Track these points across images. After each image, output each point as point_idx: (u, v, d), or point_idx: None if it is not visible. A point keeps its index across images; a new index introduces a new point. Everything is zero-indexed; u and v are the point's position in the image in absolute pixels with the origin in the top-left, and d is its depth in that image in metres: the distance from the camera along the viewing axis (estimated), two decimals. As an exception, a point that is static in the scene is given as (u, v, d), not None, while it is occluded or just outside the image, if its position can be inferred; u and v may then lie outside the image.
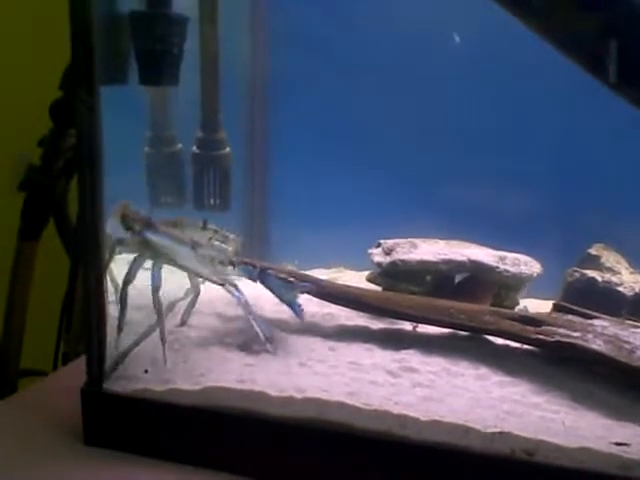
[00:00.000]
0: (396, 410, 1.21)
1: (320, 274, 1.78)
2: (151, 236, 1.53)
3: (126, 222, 1.55)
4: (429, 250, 1.74)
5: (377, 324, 1.62)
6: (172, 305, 1.77)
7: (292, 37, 2.18)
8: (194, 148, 1.82)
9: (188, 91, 1.79)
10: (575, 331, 1.39)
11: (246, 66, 2.26)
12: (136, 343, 1.55)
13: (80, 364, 1.45)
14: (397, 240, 1.81)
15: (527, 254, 1.80)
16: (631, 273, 1.85)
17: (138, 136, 1.88)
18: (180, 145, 1.85)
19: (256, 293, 1.62)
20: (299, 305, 1.52)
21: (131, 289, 1.78)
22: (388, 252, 1.76)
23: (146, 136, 1.84)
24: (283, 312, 1.63)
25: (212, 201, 1.83)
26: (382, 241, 1.83)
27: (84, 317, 1.38)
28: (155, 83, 1.58)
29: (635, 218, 1.90)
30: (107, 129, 1.31)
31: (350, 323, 1.64)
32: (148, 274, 1.94)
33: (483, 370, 1.40)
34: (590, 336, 1.36)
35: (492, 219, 1.99)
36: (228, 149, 1.84)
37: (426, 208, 2.02)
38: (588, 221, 2.05)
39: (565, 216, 2.04)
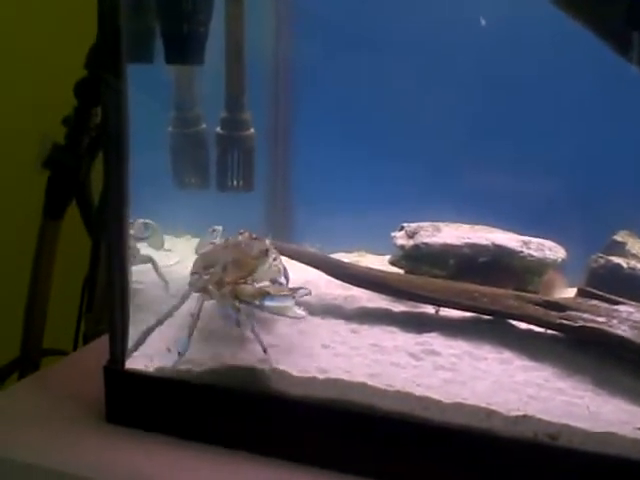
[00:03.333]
0: (418, 392, 1.21)
1: (342, 258, 1.77)
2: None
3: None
4: (453, 234, 1.73)
5: (399, 307, 1.61)
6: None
7: (318, 20, 2.18)
8: (218, 128, 1.81)
9: (213, 71, 1.79)
10: (600, 316, 1.37)
11: (271, 48, 2.26)
12: (159, 322, 1.56)
13: (100, 343, 1.46)
14: (420, 223, 1.80)
15: (552, 240, 1.78)
16: (657, 261, 1.83)
17: (162, 116, 1.88)
18: (204, 125, 1.85)
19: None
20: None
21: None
22: (411, 235, 1.75)
23: (170, 116, 1.84)
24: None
25: (235, 182, 1.83)
26: (405, 224, 1.82)
27: (107, 295, 1.38)
28: (181, 62, 1.58)
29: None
30: (132, 109, 1.32)
31: (372, 306, 1.63)
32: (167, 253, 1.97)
33: (506, 354, 1.39)
34: (615, 321, 1.35)
35: (516, 205, 1.97)
36: (252, 130, 1.83)
37: (450, 194, 2.01)
38: (614, 208, 2.03)
39: (590, 203, 2.02)
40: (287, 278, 1.60)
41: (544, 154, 2.03)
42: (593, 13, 1.38)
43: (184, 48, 1.53)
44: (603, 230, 1.97)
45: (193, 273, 1.51)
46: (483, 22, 1.97)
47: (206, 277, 1.45)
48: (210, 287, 1.42)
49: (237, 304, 1.36)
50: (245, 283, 1.40)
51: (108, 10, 1.25)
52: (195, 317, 1.39)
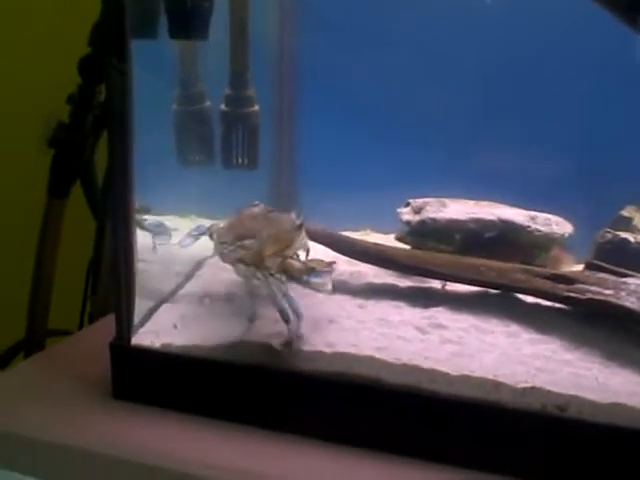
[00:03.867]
0: (426, 365, 1.21)
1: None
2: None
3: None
4: (459, 209, 1.72)
5: (405, 282, 1.61)
6: (200, 263, 1.78)
7: (323, 6, 2.17)
8: (222, 106, 1.80)
9: (217, 48, 1.78)
10: (607, 289, 1.37)
11: (276, 30, 2.25)
12: (165, 299, 1.55)
13: (106, 323, 1.46)
14: (426, 199, 1.79)
15: (559, 215, 1.77)
16: (664, 236, 1.82)
17: (167, 93, 1.87)
18: (208, 102, 1.84)
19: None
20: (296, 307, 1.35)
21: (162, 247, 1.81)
22: (417, 211, 1.75)
23: (174, 93, 1.83)
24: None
25: (240, 160, 1.82)
26: (411, 200, 1.81)
27: (113, 272, 1.38)
28: (185, 37, 1.56)
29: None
30: (136, 86, 1.31)
31: (378, 281, 1.62)
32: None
33: (514, 327, 1.39)
34: (623, 294, 1.34)
35: (523, 182, 1.96)
36: (257, 107, 1.82)
37: (455, 171, 2.00)
38: (620, 183, 2.03)
39: (597, 178, 2.01)
40: (308, 253, 1.56)
41: (550, 132, 2.02)
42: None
43: (188, 23, 1.51)
44: (610, 205, 1.97)
45: (222, 242, 1.47)
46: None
47: (240, 249, 1.40)
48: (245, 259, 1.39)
49: (283, 278, 1.33)
50: (286, 257, 1.35)
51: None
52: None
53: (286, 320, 1.31)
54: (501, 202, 1.85)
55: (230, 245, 1.43)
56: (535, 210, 1.77)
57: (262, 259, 1.35)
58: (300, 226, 1.41)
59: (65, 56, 1.87)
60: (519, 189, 1.89)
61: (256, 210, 1.54)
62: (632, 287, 1.35)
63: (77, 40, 1.82)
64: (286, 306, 1.33)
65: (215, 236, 1.53)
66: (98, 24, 1.78)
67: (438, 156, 2.12)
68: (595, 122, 2.04)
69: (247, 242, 1.39)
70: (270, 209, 1.54)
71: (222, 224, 1.56)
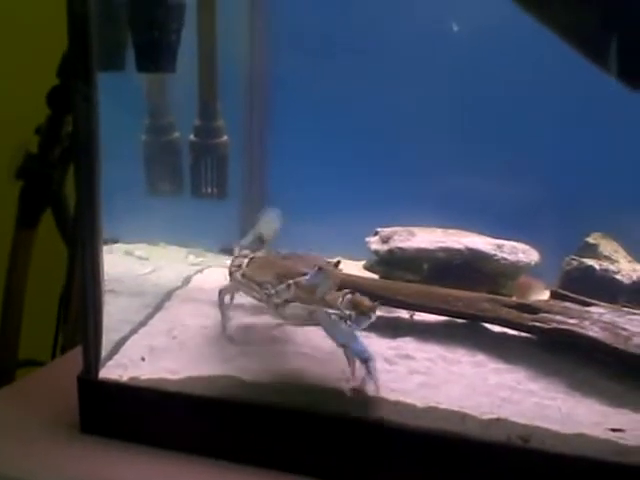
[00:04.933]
0: (392, 397, 1.21)
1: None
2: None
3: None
4: (426, 238, 1.73)
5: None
6: (169, 294, 1.78)
7: (293, 30, 2.18)
8: (191, 136, 1.82)
9: (186, 79, 1.79)
10: (572, 318, 1.38)
11: (245, 56, 2.26)
12: (133, 331, 1.55)
13: (76, 354, 1.45)
14: (395, 228, 1.81)
15: (526, 243, 1.79)
16: (629, 262, 1.84)
17: (135, 124, 1.88)
18: (177, 133, 1.85)
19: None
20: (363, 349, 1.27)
21: (131, 277, 1.81)
22: (385, 240, 1.76)
23: (143, 124, 1.84)
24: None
25: (209, 189, 1.83)
26: (379, 229, 1.83)
27: (81, 305, 1.37)
28: (152, 70, 1.57)
29: (634, 208, 1.90)
30: (104, 117, 1.31)
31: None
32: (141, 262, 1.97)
33: (480, 357, 1.41)
34: (587, 323, 1.36)
35: (491, 208, 1.99)
36: (225, 137, 1.84)
37: (425, 198, 2.02)
38: (587, 210, 2.05)
39: (564, 206, 2.04)
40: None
41: (518, 158, 2.05)
42: (564, 18, 1.39)
43: (155, 56, 1.53)
44: (577, 232, 1.99)
45: (259, 283, 1.42)
46: (455, 28, 1.98)
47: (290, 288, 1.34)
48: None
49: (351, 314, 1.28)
50: (346, 294, 1.32)
51: (78, 18, 1.24)
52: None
53: (366, 360, 1.25)
54: (470, 229, 1.86)
55: (276, 286, 1.36)
56: (503, 238, 1.79)
57: (323, 297, 1.32)
58: (338, 263, 1.40)
59: (34, 87, 1.87)
60: (488, 217, 1.91)
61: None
62: (595, 316, 1.37)
63: (46, 71, 1.83)
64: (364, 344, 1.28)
65: (239, 276, 1.51)
66: (66, 55, 1.78)
67: (409, 181, 2.14)
68: (562, 150, 2.06)
69: (291, 281, 1.34)
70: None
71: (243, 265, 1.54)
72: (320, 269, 1.27)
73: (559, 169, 2.04)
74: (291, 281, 1.32)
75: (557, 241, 1.93)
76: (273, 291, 1.36)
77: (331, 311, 1.27)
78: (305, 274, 1.32)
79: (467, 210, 1.96)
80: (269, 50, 2.26)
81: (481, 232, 1.85)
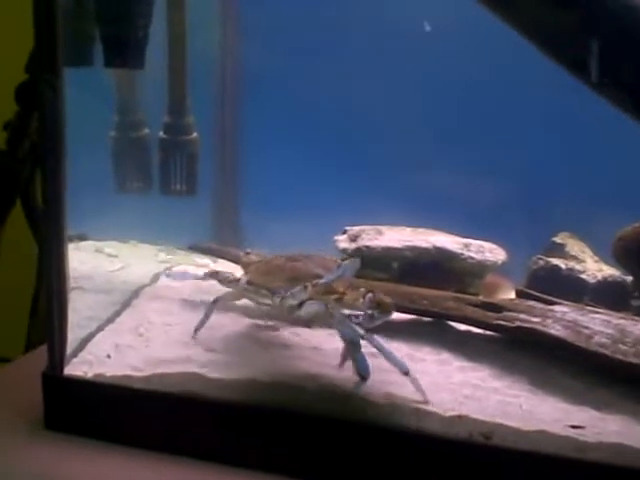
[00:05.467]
0: (353, 394, 1.22)
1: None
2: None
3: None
4: (394, 237, 1.74)
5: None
6: (137, 292, 1.77)
7: (264, 26, 2.18)
8: (161, 133, 1.81)
9: (157, 75, 1.79)
10: (535, 317, 1.40)
11: (217, 52, 2.26)
12: (100, 328, 1.54)
13: (45, 350, 1.44)
14: (363, 227, 1.81)
15: (494, 242, 1.80)
16: (595, 261, 1.87)
17: (105, 120, 1.87)
18: (147, 130, 1.84)
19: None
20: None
21: (100, 275, 1.80)
22: (353, 239, 1.77)
23: (113, 120, 1.83)
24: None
25: (178, 186, 1.82)
26: (348, 228, 1.83)
27: (45, 302, 1.36)
28: (120, 65, 1.56)
29: (601, 208, 1.91)
30: (74, 113, 1.30)
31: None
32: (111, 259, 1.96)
33: (445, 355, 1.42)
34: (550, 321, 1.37)
35: (461, 208, 2.00)
36: (195, 134, 1.83)
37: (395, 197, 2.03)
38: (555, 210, 2.07)
39: (533, 205, 2.05)
40: None
41: (488, 159, 2.06)
42: (529, 18, 1.41)
43: (123, 52, 1.52)
44: (545, 232, 2.01)
45: (268, 289, 1.40)
46: (428, 28, 1.99)
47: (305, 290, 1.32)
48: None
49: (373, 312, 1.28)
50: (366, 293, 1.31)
51: (44, 13, 1.23)
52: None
53: (407, 372, 1.24)
54: (439, 228, 1.87)
55: (289, 289, 1.34)
56: (472, 237, 1.80)
57: (342, 297, 1.32)
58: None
59: (2, 83, 1.86)
60: (457, 216, 1.92)
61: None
62: (558, 315, 1.38)
63: (14, 67, 1.81)
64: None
65: (243, 284, 1.48)
66: (35, 51, 1.77)
67: (379, 181, 2.15)
68: (531, 151, 2.08)
69: (307, 283, 1.31)
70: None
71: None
72: (339, 266, 1.27)
73: (529, 169, 2.05)
74: (307, 283, 1.30)
75: (526, 240, 1.95)
76: (288, 293, 1.33)
77: (347, 311, 1.28)
78: (319, 276, 1.32)
79: (437, 209, 1.97)
80: (240, 46, 2.26)
81: (450, 231, 1.86)
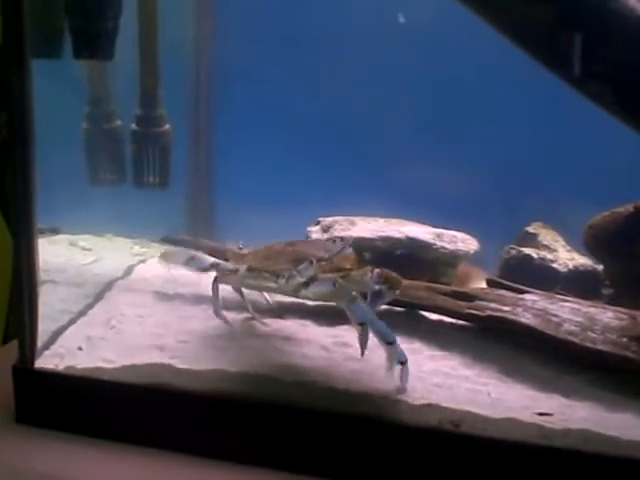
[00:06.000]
0: (328, 383, 1.22)
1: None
2: None
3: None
4: (367, 227, 1.74)
5: (310, 302, 1.62)
6: (110, 284, 1.76)
7: (239, 18, 2.18)
8: (133, 125, 1.80)
9: (129, 67, 1.78)
10: (506, 305, 1.40)
11: (191, 45, 2.26)
12: (72, 321, 1.54)
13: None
14: (336, 218, 1.81)
15: (468, 232, 1.81)
16: (568, 251, 1.88)
17: (77, 112, 1.86)
18: (119, 122, 1.83)
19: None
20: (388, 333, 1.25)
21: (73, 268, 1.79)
22: (326, 229, 1.77)
23: (84, 112, 1.82)
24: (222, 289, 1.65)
25: (151, 179, 1.82)
26: (321, 219, 1.83)
27: (16, 295, 1.36)
28: (88, 57, 1.55)
29: (575, 198, 1.93)
30: (46, 105, 1.30)
31: (287, 300, 1.63)
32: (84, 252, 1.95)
33: (416, 344, 1.42)
34: (520, 310, 1.38)
35: (436, 199, 2.00)
36: (167, 126, 1.83)
37: (371, 188, 2.04)
38: (529, 200, 2.08)
39: (507, 196, 2.06)
40: None
41: (461, 150, 2.07)
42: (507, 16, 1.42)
43: (91, 43, 1.51)
44: (519, 222, 2.02)
45: (279, 270, 1.36)
46: (402, 19, 1.99)
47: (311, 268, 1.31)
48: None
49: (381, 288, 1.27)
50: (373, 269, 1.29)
51: (11, 6, 1.22)
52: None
53: (391, 342, 1.24)
54: (414, 219, 1.88)
55: (291, 270, 1.33)
56: (445, 227, 1.81)
57: (348, 273, 1.31)
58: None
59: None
60: (432, 207, 1.92)
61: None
62: (529, 303, 1.39)
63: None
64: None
65: (243, 271, 1.44)
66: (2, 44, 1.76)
67: (355, 174, 2.15)
68: (504, 141, 2.09)
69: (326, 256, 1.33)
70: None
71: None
72: (342, 239, 1.30)
73: (503, 161, 2.06)
74: (312, 259, 1.29)
75: (500, 230, 1.96)
76: (294, 272, 1.32)
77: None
78: (321, 257, 1.32)
79: (412, 201, 1.97)
80: (215, 38, 2.26)
81: (425, 222, 1.86)
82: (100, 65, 1.74)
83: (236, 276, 1.46)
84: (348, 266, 1.33)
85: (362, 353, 1.22)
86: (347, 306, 1.25)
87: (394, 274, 1.28)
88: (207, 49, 2.25)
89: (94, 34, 1.49)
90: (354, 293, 1.25)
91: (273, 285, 1.38)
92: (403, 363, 1.23)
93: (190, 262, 1.54)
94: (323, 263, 1.32)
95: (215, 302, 1.51)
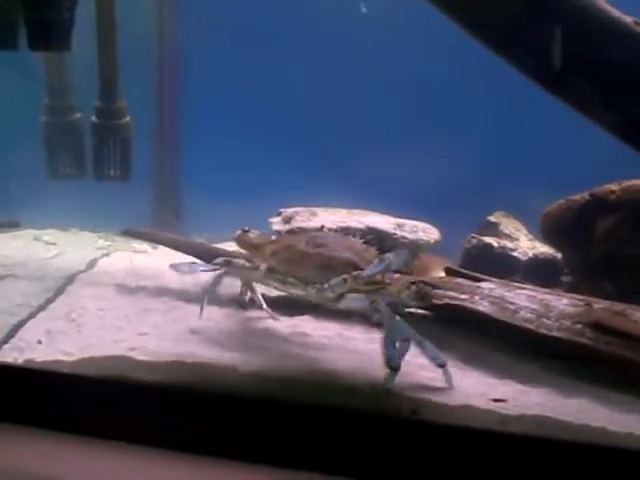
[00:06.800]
0: (281, 373, 1.23)
1: (230, 247, 1.77)
2: None
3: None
4: (328, 218, 1.75)
5: (273, 291, 1.61)
6: (72, 278, 1.76)
7: (201, 8, 2.17)
8: (93, 117, 1.79)
9: (89, 59, 1.77)
10: (463, 294, 1.41)
11: (156, 37, 2.25)
12: (32, 314, 1.53)
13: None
14: (297, 209, 1.81)
15: (430, 222, 1.82)
16: (530, 240, 1.89)
17: (36, 105, 1.85)
18: (79, 114, 1.82)
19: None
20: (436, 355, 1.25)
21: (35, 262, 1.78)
22: (287, 220, 1.77)
23: (43, 105, 1.81)
24: (183, 282, 1.66)
25: (112, 172, 1.81)
26: (282, 210, 1.83)
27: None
28: (44, 49, 1.55)
29: (539, 188, 1.94)
30: (2, 98, 1.29)
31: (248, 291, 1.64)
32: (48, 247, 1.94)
33: (375, 334, 1.42)
34: (477, 298, 1.39)
35: (401, 190, 2.01)
36: (128, 118, 1.81)
37: (337, 180, 2.04)
38: (494, 190, 2.09)
39: (472, 185, 2.08)
40: None
41: (425, 141, 2.08)
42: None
43: (47, 35, 1.50)
44: (482, 211, 2.03)
45: (307, 278, 1.32)
46: (364, 10, 2.00)
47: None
48: None
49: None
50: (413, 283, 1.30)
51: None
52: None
53: (442, 365, 1.24)
54: (378, 209, 1.88)
55: (321, 279, 1.29)
56: (407, 217, 1.82)
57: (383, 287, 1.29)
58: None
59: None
60: (395, 197, 1.93)
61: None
62: (486, 291, 1.40)
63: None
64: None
65: (263, 270, 1.39)
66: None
67: (320, 164, 2.15)
68: (466, 131, 2.10)
69: (363, 274, 1.25)
70: None
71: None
72: (381, 260, 1.21)
73: (467, 150, 2.08)
74: (346, 276, 1.25)
75: (464, 220, 1.97)
76: (326, 286, 1.27)
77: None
78: (351, 262, 1.29)
79: (377, 191, 1.98)
80: (179, 29, 2.25)
81: (388, 213, 1.87)
82: (58, 57, 1.73)
83: (254, 273, 1.41)
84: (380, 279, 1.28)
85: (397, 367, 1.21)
86: (387, 323, 1.24)
87: (427, 288, 1.29)
88: (171, 41, 2.23)
89: (49, 25, 1.48)
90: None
91: (300, 292, 1.34)
92: (442, 366, 1.24)
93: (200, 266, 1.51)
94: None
95: (212, 293, 1.48)
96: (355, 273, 1.25)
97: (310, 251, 1.34)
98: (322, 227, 1.42)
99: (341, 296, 1.28)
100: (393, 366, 1.20)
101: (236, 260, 1.45)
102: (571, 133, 1.75)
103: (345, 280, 1.24)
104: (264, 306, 1.54)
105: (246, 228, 1.49)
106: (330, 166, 2.10)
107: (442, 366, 1.24)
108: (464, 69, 1.98)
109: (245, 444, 1.21)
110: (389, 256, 1.19)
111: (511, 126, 2.10)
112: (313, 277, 1.30)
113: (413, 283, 1.26)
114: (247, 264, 1.43)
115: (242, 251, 1.71)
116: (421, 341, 1.24)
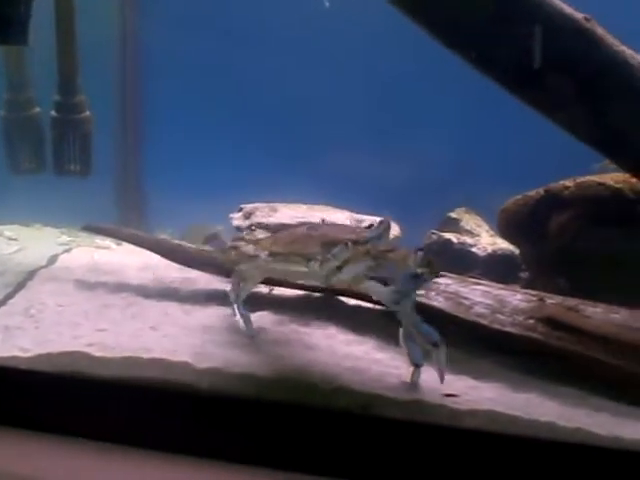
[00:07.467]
0: (238, 369, 1.23)
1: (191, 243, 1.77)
2: None
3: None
4: (288, 214, 1.75)
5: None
6: (32, 273, 1.75)
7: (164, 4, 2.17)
8: (52, 112, 1.78)
9: (48, 53, 1.76)
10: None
11: (117, 32, 2.24)
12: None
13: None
14: (257, 204, 1.82)
15: (392, 218, 1.82)
16: (491, 236, 1.91)
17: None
18: (38, 108, 1.81)
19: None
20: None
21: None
22: (247, 216, 1.77)
23: (2, 99, 1.80)
24: (143, 278, 1.66)
25: (72, 167, 1.80)
26: (243, 205, 1.83)
27: None
28: (0, 42, 1.53)
29: (501, 184, 1.96)
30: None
31: (208, 287, 1.64)
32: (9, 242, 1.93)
33: (332, 330, 1.43)
34: (432, 293, 1.40)
35: (364, 186, 2.02)
36: (88, 113, 1.80)
37: (300, 175, 2.04)
38: (458, 187, 2.11)
39: (435, 182, 2.09)
40: None
41: (388, 138, 2.09)
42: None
43: (3, 28, 1.48)
44: (447, 208, 2.05)
45: (310, 254, 1.30)
46: (327, 3, 2.00)
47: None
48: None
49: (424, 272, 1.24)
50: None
51: None
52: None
53: (436, 343, 1.24)
54: (339, 206, 1.89)
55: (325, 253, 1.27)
56: (369, 213, 1.82)
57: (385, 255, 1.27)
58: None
59: None
60: (357, 193, 1.94)
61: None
62: (442, 287, 1.41)
63: None
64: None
65: (263, 256, 1.37)
66: None
67: (283, 160, 2.16)
68: (430, 127, 2.11)
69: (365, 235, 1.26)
70: None
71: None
72: (381, 222, 1.24)
73: (429, 147, 2.09)
74: (348, 241, 1.24)
75: (425, 216, 1.98)
76: (329, 255, 1.25)
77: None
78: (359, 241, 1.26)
79: (340, 187, 1.99)
80: (141, 23, 2.24)
81: (351, 209, 1.87)
82: (17, 51, 1.72)
83: (257, 261, 1.39)
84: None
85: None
86: (407, 319, 1.26)
87: (434, 258, 1.26)
88: (133, 35, 2.23)
89: (5, 19, 1.46)
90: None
91: (303, 269, 1.31)
92: (436, 345, 1.24)
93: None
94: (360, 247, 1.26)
95: (237, 301, 1.44)
96: (355, 238, 1.25)
97: (313, 233, 1.34)
98: (323, 220, 1.41)
99: (341, 267, 1.26)
100: (417, 364, 1.24)
101: (241, 245, 1.44)
102: (533, 129, 1.77)
103: (347, 245, 1.24)
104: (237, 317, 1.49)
105: (253, 227, 1.57)
106: (293, 162, 2.11)
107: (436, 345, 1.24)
108: (427, 69, 1.98)
109: (200, 438, 1.22)
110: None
111: (475, 123, 2.12)
112: (316, 254, 1.28)
113: (420, 249, 1.24)
114: (251, 251, 1.41)
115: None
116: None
